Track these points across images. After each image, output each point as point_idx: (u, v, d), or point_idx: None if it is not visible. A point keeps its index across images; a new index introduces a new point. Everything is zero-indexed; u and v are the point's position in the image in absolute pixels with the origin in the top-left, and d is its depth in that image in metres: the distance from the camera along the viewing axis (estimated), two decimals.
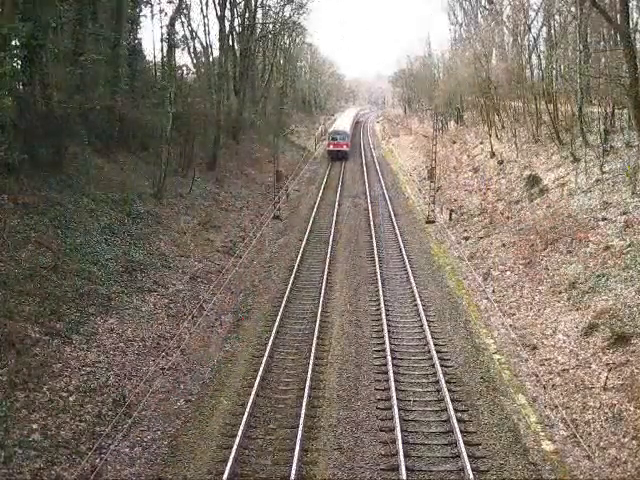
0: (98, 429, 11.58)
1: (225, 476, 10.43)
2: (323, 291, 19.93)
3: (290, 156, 51.83)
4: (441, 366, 14.67)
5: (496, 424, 12.50)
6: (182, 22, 38.53)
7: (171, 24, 30.47)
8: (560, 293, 17.67)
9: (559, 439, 11.99)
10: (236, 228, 28.15)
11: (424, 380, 14.37)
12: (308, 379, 13.87)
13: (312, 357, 14.97)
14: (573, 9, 33.68)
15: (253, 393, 13.26)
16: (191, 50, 44.85)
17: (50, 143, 20.43)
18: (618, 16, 23.41)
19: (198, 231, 25.30)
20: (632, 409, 11.78)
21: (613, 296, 15.84)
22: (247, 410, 12.50)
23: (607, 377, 13.02)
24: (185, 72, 37.62)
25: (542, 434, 12.21)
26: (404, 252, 24.68)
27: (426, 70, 77.45)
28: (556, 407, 12.89)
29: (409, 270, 22.26)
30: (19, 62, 19.71)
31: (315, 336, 16.24)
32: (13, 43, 18.18)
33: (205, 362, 15.27)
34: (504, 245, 23.44)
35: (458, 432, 11.80)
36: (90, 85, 23.48)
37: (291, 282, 20.77)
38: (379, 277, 21.38)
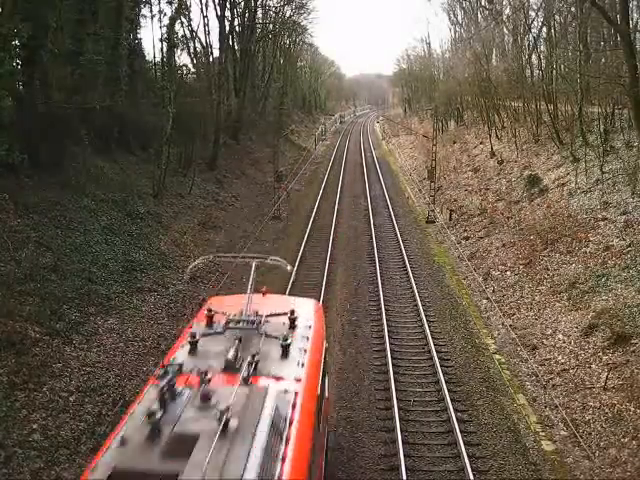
0: (98, 429, 11.57)
1: None
2: (323, 291, 19.93)
3: (290, 156, 51.86)
4: (441, 366, 14.67)
5: (496, 424, 12.48)
6: (182, 22, 38.46)
7: (171, 24, 30.41)
8: (560, 293, 17.67)
9: (559, 439, 11.98)
10: (236, 228, 28.15)
11: (424, 380, 14.36)
12: None
13: None
14: (573, 9, 33.75)
15: None
16: (191, 50, 44.88)
17: (50, 143, 20.41)
18: (618, 16, 23.42)
19: (198, 231, 25.30)
20: (632, 409, 11.78)
21: (613, 296, 15.84)
22: None
23: (607, 377, 13.02)
24: (185, 72, 37.63)
25: (542, 434, 12.20)
26: (404, 252, 24.67)
27: (426, 70, 77.60)
28: (556, 407, 12.88)
29: (409, 270, 22.26)
30: (19, 62, 19.70)
31: None
32: (13, 43, 18.16)
33: None
34: (504, 245, 23.44)
35: (458, 432, 11.80)
36: (90, 85, 23.44)
37: (291, 281, 20.75)
38: (379, 277, 21.37)
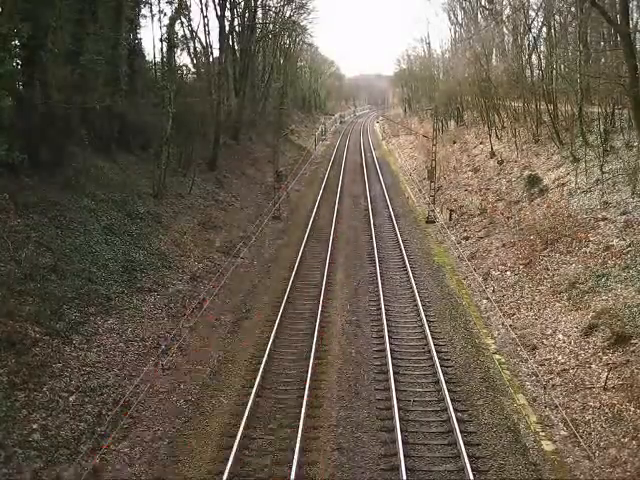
0: (98, 429, 11.58)
1: (225, 476, 10.42)
2: (323, 291, 19.92)
3: (290, 156, 51.86)
4: (441, 366, 14.66)
5: (496, 424, 12.48)
6: (182, 22, 38.47)
7: (171, 24, 30.42)
8: (560, 293, 17.66)
9: (559, 439, 11.98)
10: (236, 228, 28.15)
11: (424, 380, 14.36)
12: (308, 379, 13.87)
13: (312, 357, 14.97)
14: (573, 9, 33.72)
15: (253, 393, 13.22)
16: (191, 50, 44.85)
17: (50, 143, 20.42)
18: (618, 16, 23.40)
19: (198, 231, 25.30)
20: (632, 409, 11.77)
21: (613, 296, 15.84)
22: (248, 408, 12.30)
23: (607, 377, 13.02)
24: (185, 72, 37.64)
25: (542, 434, 12.20)
26: (404, 252, 24.67)
27: (426, 70, 77.52)
28: (556, 407, 12.88)
29: (409, 270, 22.25)
30: (19, 62, 19.69)
31: (315, 335, 16.26)
32: (13, 43, 18.16)
33: (205, 361, 15.26)
34: (504, 245, 23.43)
35: (458, 432, 11.80)
36: (90, 85, 23.43)
37: (291, 282, 20.76)
38: (379, 277, 21.36)
